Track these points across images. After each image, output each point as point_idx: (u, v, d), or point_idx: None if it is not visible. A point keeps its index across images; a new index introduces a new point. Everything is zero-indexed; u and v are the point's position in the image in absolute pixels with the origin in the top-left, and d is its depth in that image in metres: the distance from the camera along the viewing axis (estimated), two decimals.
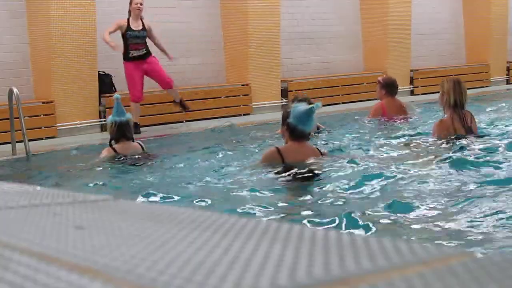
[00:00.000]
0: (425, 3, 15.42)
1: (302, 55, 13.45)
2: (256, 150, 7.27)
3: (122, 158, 6.75)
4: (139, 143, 7.07)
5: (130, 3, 9.93)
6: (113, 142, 6.88)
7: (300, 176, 5.23)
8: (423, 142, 6.57)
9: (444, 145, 6.28)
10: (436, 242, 3.59)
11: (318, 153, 5.51)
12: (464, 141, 6.29)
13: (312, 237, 1.09)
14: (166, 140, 9.14)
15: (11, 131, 8.06)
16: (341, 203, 4.59)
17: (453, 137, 6.39)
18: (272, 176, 5.39)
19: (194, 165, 6.56)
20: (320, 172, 5.30)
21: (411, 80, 14.69)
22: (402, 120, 8.77)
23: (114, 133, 6.83)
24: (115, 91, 10.61)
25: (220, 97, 11.67)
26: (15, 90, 8.06)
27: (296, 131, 5.28)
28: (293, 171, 5.27)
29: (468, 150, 6.04)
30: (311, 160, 5.38)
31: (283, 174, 5.29)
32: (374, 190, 4.88)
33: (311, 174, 5.25)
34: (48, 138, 9.71)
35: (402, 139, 7.15)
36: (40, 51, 10.09)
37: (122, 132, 6.80)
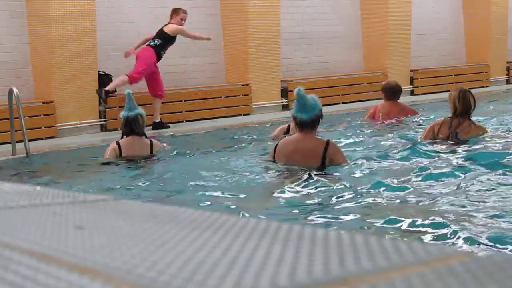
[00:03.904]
0: (425, 3, 15.41)
1: (302, 55, 13.45)
2: (256, 151, 7.27)
3: (124, 161, 6.73)
4: (151, 140, 6.99)
5: (178, 14, 10.44)
6: (124, 137, 6.91)
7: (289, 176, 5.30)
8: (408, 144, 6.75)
9: (432, 147, 6.42)
10: (436, 242, 3.59)
11: (320, 145, 5.45)
12: (447, 145, 6.42)
13: (312, 237, 1.09)
14: (166, 140, 9.13)
15: (11, 131, 8.06)
16: (340, 203, 4.59)
17: (437, 140, 6.57)
18: (269, 177, 5.41)
19: (194, 165, 6.56)
20: (311, 172, 5.31)
21: (411, 80, 14.68)
22: (389, 122, 8.79)
23: (122, 128, 6.90)
24: (115, 91, 10.62)
25: (220, 97, 11.67)
26: (15, 90, 8.06)
27: (296, 120, 5.45)
28: (284, 174, 5.35)
29: (457, 153, 6.13)
30: (304, 158, 5.41)
31: (275, 176, 5.35)
32: (373, 190, 4.88)
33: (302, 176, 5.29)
34: (48, 138, 9.71)
35: (392, 142, 7.23)
36: (40, 51, 10.09)
37: (129, 127, 6.81)
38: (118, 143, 6.83)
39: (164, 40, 10.31)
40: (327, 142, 5.47)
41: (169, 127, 10.44)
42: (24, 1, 10.07)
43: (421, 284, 0.82)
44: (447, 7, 16.08)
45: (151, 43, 10.31)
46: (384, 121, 8.87)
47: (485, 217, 4.00)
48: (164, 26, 10.41)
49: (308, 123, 5.37)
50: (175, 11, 10.50)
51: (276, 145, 5.68)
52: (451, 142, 6.52)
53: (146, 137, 7.00)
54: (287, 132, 8.34)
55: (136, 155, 6.81)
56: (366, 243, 1.03)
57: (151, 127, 10.11)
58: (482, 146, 6.42)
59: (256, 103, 12.08)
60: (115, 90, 10.32)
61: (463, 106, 6.60)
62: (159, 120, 10.47)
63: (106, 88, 10.25)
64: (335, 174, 5.37)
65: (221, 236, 1.11)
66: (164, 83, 10.66)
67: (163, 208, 1.48)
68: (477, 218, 3.98)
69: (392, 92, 9.03)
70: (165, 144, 7.30)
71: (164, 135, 9.49)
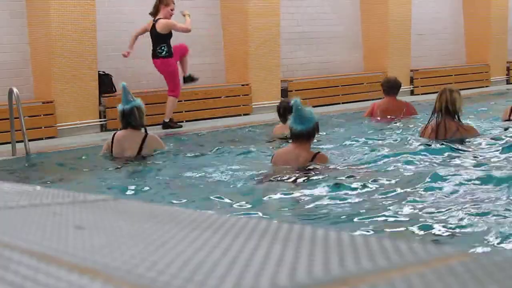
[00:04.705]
0: (425, 3, 15.41)
1: (302, 55, 13.44)
2: (255, 151, 7.28)
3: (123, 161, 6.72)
4: (146, 134, 6.82)
5: (168, 5, 10.12)
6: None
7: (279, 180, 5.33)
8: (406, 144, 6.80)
9: (428, 148, 6.47)
10: (436, 242, 3.59)
11: (308, 157, 5.46)
12: (437, 145, 6.47)
13: (312, 237, 1.09)
14: (167, 140, 9.13)
15: (11, 131, 8.06)
16: (340, 204, 4.59)
17: (430, 141, 6.62)
18: (269, 178, 5.44)
19: (194, 165, 6.56)
20: (303, 175, 5.33)
21: (411, 80, 14.68)
22: (387, 121, 8.82)
23: (120, 121, 6.84)
24: (115, 91, 10.62)
25: (220, 97, 11.66)
26: (15, 90, 8.06)
27: (291, 131, 5.49)
28: (274, 177, 5.38)
29: (453, 154, 6.16)
30: (295, 166, 5.44)
31: (270, 179, 5.40)
32: (372, 191, 4.89)
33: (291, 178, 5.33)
34: (48, 138, 9.71)
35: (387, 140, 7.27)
36: (40, 51, 10.09)
37: (126, 120, 6.73)
38: (113, 136, 6.81)
39: (165, 41, 10.21)
40: (315, 154, 5.50)
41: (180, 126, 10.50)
42: (24, 1, 10.07)
43: (421, 284, 0.82)
44: (447, 7, 16.08)
45: (163, 54, 10.12)
46: (382, 119, 8.89)
47: (485, 217, 4.00)
48: (155, 25, 10.14)
49: (303, 135, 5.41)
50: (165, 3, 10.15)
51: (274, 154, 5.77)
52: (443, 143, 6.53)
53: (146, 131, 6.87)
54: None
55: (123, 152, 6.73)
56: (366, 243, 1.03)
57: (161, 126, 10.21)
58: (478, 146, 6.43)
59: (256, 103, 12.08)
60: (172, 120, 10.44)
61: (439, 104, 6.62)
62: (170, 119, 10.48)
63: (166, 120, 10.31)
64: (334, 175, 5.37)
65: (221, 236, 1.11)
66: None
67: (163, 208, 1.48)
68: (477, 218, 3.99)
69: (389, 86, 9.07)
70: (165, 147, 7.16)
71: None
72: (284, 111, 7.38)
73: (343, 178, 5.27)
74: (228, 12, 12.08)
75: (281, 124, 7.77)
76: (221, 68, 12.27)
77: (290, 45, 13.13)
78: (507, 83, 16.70)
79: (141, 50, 10.62)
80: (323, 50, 13.79)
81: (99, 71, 10.48)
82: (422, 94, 14.29)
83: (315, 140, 5.91)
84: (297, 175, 5.32)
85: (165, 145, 7.10)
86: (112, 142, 6.81)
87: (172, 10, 10.19)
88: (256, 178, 5.58)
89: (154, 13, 10.21)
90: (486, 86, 15.79)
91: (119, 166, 6.63)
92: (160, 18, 10.13)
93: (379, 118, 8.98)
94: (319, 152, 5.65)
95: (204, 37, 11.94)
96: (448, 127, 6.60)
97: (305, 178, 5.25)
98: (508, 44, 16.71)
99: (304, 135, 5.40)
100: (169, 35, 10.22)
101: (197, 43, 11.75)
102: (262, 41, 12.13)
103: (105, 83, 10.55)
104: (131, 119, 6.68)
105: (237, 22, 12.03)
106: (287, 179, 5.29)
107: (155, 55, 10.22)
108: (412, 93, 14.52)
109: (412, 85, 14.68)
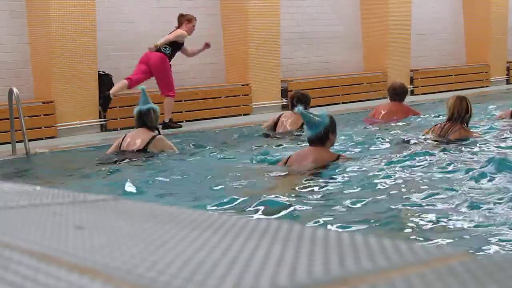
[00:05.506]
0: (425, 3, 15.41)
1: (302, 55, 13.44)
2: (256, 151, 7.28)
3: (117, 159, 6.78)
4: (154, 136, 6.97)
5: (190, 21, 10.47)
6: None
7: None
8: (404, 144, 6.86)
9: (427, 148, 6.50)
10: (436, 242, 3.59)
11: (329, 159, 5.46)
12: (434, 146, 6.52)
13: (312, 237, 1.09)
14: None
15: (11, 131, 8.05)
16: (341, 203, 4.59)
17: (428, 141, 6.70)
18: (270, 177, 5.44)
19: (194, 165, 6.57)
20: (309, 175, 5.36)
21: (411, 80, 14.68)
22: (384, 122, 8.84)
23: (136, 122, 7.06)
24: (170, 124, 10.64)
25: (220, 97, 11.67)
26: (15, 90, 8.06)
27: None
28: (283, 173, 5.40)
29: (451, 154, 6.19)
30: (309, 166, 5.43)
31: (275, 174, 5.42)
32: (373, 191, 4.89)
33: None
34: (48, 138, 9.71)
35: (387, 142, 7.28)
36: (40, 51, 10.08)
37: (142, 120, 6.95)
38: (124, 136, 7.02)
39: (172, 46, 10.28)
40: (338, 157, 5.50)
41: (181, 126, 10.51)
42: (24, 1, 10.07)
43: (421, 284, 0.82)
44: (447, 7, 16.08)
45: (167, 51, 10.27)
46: (382, 120, 8.90)
47: (485, 217, 4.00)
48: (172, 31, 10.38)
49: (313, 140, 5.43)
50: (187, 18, 10.46)
51: (290, 156, 5.71)
52: (443, 143, 6.56)
53: (159, 133, 7.10)
54: (273, 128, 8.45)
55: (131, 146, 6.87)
56: (366, 243, 1.03)
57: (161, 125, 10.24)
58: (477, 147, 6.44)
59: (256, 103, 12.08)
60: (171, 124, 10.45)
61: (459, 112, 6.72)
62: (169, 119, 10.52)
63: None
64: (334, 175, 5.37)
65: (221, 236, 1.11)
66: None
67: (163, 208, 1.48)
68: (477, 218, 3.99)
69: (394, 93, 9.09)
70: (177, 150, 7.20)
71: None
72: (298, 101, 7.69)
73: (345, 177, 5.27)
74: (228, 12, 12.08)
75: (290, 111, 7.93)
76: (221, 68, 12.27)
77: (290, 45, 13.13)
78: (507, 83, 16.70)
79: (140, 50, 10.62)
80: (323, 50, 13.79)
81: (99, 71, 10.48)
82: (422, 94, 14.29)
83: (336, 145, 5.93)
84: (309, 175, 5.32)
85: (176, 148, 7.16)
86: (122, 139, 7.00)
87: (194, 26, 10.53)
88: (256, 178, 5.57)
89: (178, 26, 10.50)
90: (486, 86, 15.79)
91: (119, 166, 6.63)
92: (180, 30, 10.39)
93: (380, 120, 8.98)
94: (340, 154, 5.63)
95: (204, 37, 11.92)
96: (455, 129, 6.71)
97: (318, 178, 5.26)
98: (508, 44, 16.71)
99: (315, 140, 5.41)
100: (177, 46, 10.32)
101: (197, 43, 11.74)
102: (262, 41, 12.13)
103: (105, 83, 10.54)
104: (146, 119, 6.96)
105: (237, 22, 12.03)
106: (298, 178, 5.29)
107: (157, 49, 10.24)
108: (412, 93, 14.51)
109: (412, 85, 14.67)
